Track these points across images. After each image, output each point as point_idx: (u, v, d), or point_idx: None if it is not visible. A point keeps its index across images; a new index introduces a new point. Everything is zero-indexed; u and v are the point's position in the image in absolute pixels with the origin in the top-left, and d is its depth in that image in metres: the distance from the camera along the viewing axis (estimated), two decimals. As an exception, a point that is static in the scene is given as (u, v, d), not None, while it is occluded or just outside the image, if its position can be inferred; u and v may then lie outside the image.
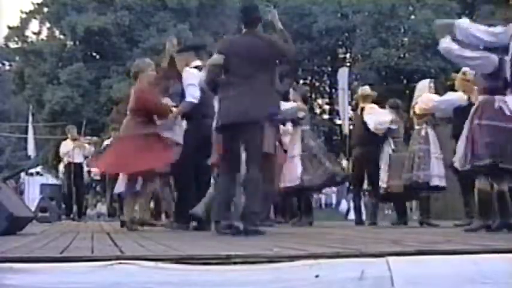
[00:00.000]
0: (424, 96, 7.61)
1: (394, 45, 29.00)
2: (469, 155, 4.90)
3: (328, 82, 33.48)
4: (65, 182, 12.56)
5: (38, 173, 20.92)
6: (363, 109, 8.51)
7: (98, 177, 14.38)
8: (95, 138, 13.57)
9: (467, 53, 4.87)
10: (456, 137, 5.69)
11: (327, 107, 33.65)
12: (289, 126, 8.43)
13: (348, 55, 32.56)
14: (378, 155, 8.15)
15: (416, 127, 7.80)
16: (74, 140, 12.28)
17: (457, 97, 7.02)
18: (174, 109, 6.33)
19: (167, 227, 6.66)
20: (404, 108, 8.63)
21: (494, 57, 4.83)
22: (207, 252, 2.54)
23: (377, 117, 8.25)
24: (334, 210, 19.36)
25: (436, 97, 7.52)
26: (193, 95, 6.15)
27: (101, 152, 9.68)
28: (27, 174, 18.86)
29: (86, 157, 12.39)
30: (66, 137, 12.98)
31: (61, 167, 13.36)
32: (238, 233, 4.64)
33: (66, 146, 12.32)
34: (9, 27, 30.18)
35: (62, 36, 28.92)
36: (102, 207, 16.05)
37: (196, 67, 6.31)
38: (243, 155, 5.05)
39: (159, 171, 6.58)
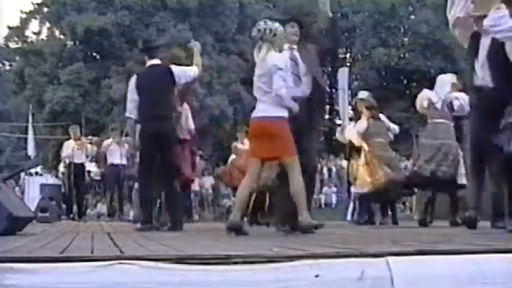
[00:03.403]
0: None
1: (394, 45, 29.01)
2: None
3: (328, 82, 33.43)
4: (65, 182, 12.55)
5: (37, 173, 20.87)
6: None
7: (98, 178, 14.39)
8: (95, 138, 13.56)
9: None
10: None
11: (327, 107, 33.62)
12: None
13: (348, 55, 32.55)
14: None
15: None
16: (76, 140, 12.26)
17: None
18: None
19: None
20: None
21: None
22: (207, 252, 2.54)
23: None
24: (334, 210, 19.31)
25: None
26: None
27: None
28: (27, 174, 18.84)
29: (87, 157, 12.39)
30: (67, 137, 12.96)
31: (61, 167, 13.34)
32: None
33: (67, 147, 12.30)
34: (9, 27, 30.14)
35: (62, 36, 28.86)
36: (102, 207, 16.03)
37: (152, 66, 6.59)
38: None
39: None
